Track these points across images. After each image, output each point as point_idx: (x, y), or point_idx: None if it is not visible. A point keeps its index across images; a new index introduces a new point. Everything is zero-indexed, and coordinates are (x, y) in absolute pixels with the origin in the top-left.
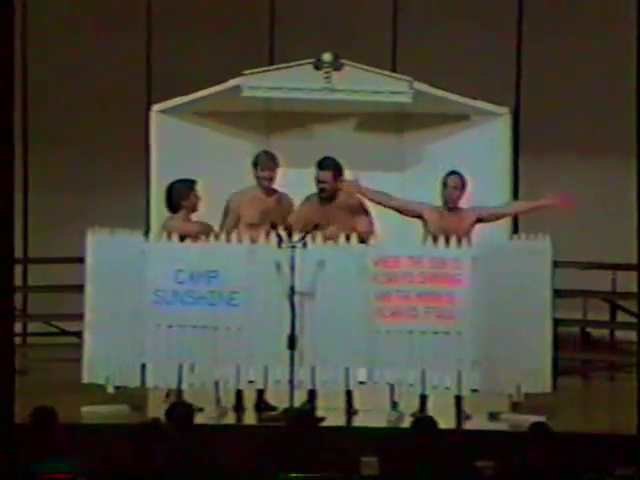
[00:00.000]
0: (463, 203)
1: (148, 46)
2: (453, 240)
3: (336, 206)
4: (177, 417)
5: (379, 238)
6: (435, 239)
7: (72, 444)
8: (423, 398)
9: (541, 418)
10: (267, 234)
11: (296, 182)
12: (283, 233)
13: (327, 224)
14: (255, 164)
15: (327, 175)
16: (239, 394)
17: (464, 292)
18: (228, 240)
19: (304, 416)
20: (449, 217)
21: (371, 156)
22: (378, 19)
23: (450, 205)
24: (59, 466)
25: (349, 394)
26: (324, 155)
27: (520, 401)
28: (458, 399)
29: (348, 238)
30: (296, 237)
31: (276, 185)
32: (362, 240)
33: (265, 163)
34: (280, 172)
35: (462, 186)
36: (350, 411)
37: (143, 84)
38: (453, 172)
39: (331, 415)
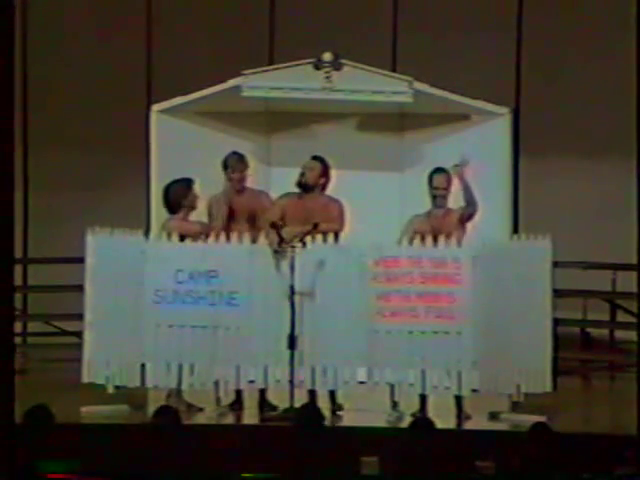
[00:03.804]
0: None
1: (148, 46)
2: (453, 240)
3: (316, 201)
4: (163, 421)
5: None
6: (423, 238)
7: (70, 443)
8: (423, 398)
9: (541, 418)
10: (266, 233)
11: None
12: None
13: (305, 219)
14: (225, 166)
15: (314, 164)
16: (238, 394)
17: (464, 292)
18: (228, 240)
19: (310, 415)
20: (437, 216)
21: (371, 156)
22: (378, 19)
23: (438, 205)
24: (61, 466)
25: (332, 394)
26: (325, 156)
27: (520, 401)
28: (458, 399)
29: (337, 237)
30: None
31: (276, 185)
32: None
33: (235, 165)
34: (280, 172)
35: (448, 184)
36: (334, 411)
37: (143, 84)
38: (438, 169)
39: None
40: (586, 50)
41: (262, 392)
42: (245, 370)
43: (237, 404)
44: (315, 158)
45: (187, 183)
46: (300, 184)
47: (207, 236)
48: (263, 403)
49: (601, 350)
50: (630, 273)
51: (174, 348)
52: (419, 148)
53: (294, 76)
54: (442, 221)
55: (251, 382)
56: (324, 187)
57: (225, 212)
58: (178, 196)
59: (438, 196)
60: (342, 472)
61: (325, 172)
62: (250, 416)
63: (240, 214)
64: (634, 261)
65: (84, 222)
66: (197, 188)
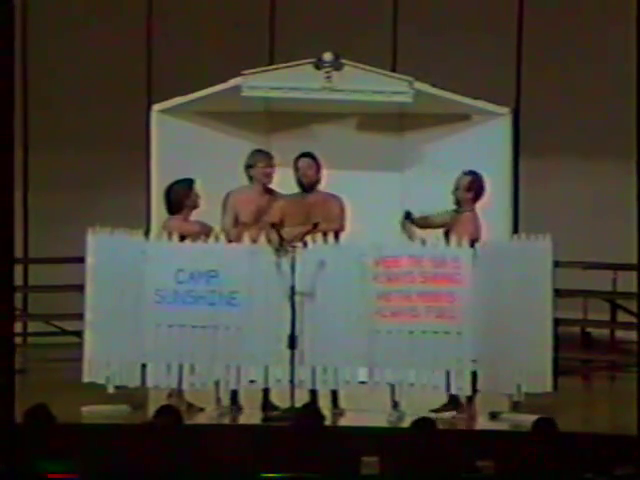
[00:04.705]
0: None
1: (148, 46)
2: (453, 240)
3: (316, 197)
4: (165, 420)
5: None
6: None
7: (70, 443)
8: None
9: None
10: (267, 234)
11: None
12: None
13: (306, 216)
14: (251, 164)
15: (309, 162)
16: (234, 393)
17: (464, 292)
18: (229, 240)
19: (310, 415)
20: (456, 219)
21: (371, 156)
22: (378, 19)
23: (455, 204)
24: (62, 466)
25: (334, 394)
26: (325, 156)
27: (520, 401)
28: (470, 398)
29: (337, 236)
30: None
31: (275, 185)
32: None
33: (265, 160)
34: (280, 172)
35: (469, 188)
36: (335, 412)
37: (143, 84)
38: (467, 173)
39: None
40: (586, 50)
41: (265, 393)
42: (245, 370)
43: (237, 404)
44: (305, 155)
45: (188, 183)
46: (302, 184)
47: (207, 236)
48: (266, 404)
49: (601, 350)
50: (630, 273)
51: (174, 348)
52: (419, 148)
53: (294, 76)
54: (462, 227)
55: (252, 382)
56: (319, 183)
57: (243, 209)
58: (180, 196)
59: (458, 198)
60: (342, 472)
61: (319, 169)
62: (250, 416)
63: (264, 215)
64: (634, 261)
65: (84, 222)
66: (198, 188)
